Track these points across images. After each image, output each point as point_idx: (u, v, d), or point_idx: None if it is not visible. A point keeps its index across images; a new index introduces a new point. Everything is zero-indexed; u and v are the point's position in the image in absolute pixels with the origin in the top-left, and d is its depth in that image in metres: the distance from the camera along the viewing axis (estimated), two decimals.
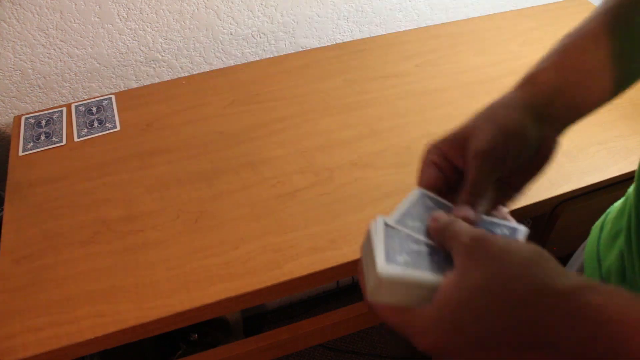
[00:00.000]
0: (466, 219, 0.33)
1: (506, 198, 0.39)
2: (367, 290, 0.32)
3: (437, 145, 0.39)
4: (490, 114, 0.39)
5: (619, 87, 0.41)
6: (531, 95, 0.40)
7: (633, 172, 0.67)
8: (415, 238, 0.33)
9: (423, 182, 0.38)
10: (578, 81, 0.40)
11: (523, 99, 0.39)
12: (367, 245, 0.33)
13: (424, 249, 0.32)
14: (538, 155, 0.39)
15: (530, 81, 0.40)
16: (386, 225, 0.33)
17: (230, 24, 0.88)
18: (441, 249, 0.32)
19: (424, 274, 0.30)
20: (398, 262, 0.30)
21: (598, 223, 0.51)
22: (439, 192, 0.38)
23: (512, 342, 0.27)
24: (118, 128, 0.76)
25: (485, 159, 0.36)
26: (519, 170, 0.39)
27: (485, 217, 0.35)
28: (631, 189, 0.44)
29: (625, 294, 0.26)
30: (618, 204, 0.48)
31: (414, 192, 0.36)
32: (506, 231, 0.35)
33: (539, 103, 0.39)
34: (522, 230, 0.35)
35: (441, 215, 0.33)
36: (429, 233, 0.33)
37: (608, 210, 0.50)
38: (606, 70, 0.40)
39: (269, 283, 0.56)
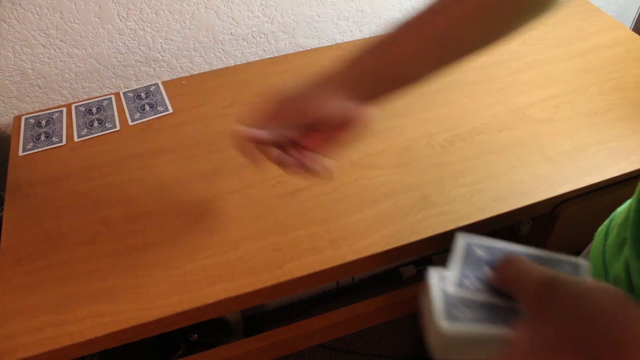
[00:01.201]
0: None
1: (326, 147, 0.50)
2: (432, 348, 0.31)
3: (279, 102, 0.50)
4: (310, 87, 0.49)
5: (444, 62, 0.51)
6: (347, 78, 0.49)
7: (633, 172, 0.67)
8: (474, 288, 0.31)
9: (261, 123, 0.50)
10: (391, 71, 0.50)
11: (340, 78, 0.49)
12: (426, 300, 0.31)
13: (484, 299, 0.30)
14: (344, 120, 0.49)
15: (351, 65, 0.49)
16: (442, 277, 0.31)
17: (230, 24, 0.88)
18: (503, 296, 0.30)
19: (489, 328, 0.28)
20: (459, 317, 0.29)
21: (602, 228, 0.50)
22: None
23: None
24: (118, 128, 0.76)
25: (300, 116, 0.49)
26: (333, 127, 0.49)
27: (542, 254, 0.33)
28: (632, 201, 0.44)
29: None
30: (622, 209, 0.48)
31: (460, 242, 0.34)
32: (568, 268, 0.32)
33: (352, 83, 0.49)
34: (584, 266, 0.32)
35: (503, 264, 0.30)
36: (487, 283, 0.31)
37: (612, 216, 0.49)
38: (416, 58, 0.49)
39: (269, 283, 0.56)
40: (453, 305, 0.30)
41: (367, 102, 0.51)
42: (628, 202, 0.47)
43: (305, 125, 0.50)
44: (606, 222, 0.51)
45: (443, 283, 0.31)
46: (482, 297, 0.31)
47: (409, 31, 0.49)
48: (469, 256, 0.32)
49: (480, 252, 0.33)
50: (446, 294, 0.30)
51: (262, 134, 0.49)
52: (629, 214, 0.43)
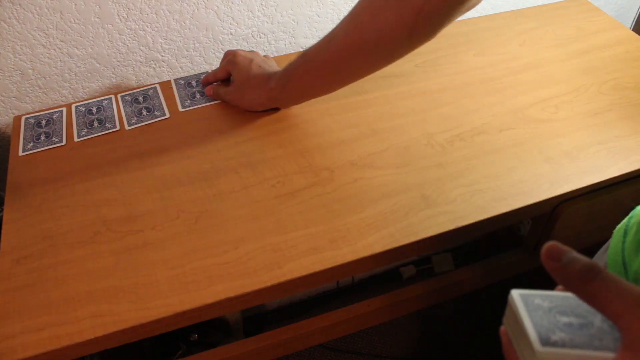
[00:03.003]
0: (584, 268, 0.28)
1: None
2: None
3: (229, 61, 0.78)
4: (248, 84, 0.75)
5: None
6: (279, 91, 0.72)
7: (633, 172, 0.67)
8: (561, 310, 0.30)
9: (217, 76, 0.81)
10: (321, 87, 0.71)
11: (271, 89, 0.72)
12: (514, 323, 0.30)
13: (574, 320, 0.29)
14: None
15: (284, 81, 0.71)
16: (527, 298, 0.30)
17: (230, 24, 0.88)
18: (594, 316, 0.29)
19: (584, 351, 0.27)
20: (554, 341, 0.27)
21: (621, 226, 0.50)
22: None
23: None
24: (118, 128, 0.76)
25: (228, 98, 0.79)
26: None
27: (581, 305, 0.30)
28: None
29: None
30: None
31: (515, 296, 0.31)
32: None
33: (281, 97, 0.74)
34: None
35: (589, 280, 0.27)
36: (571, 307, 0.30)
37: (631, 214, 0.49)
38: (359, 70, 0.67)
39: (269, 283, 0.56)
40: (543, 326, 0.28)
41: (279, 107, 0.77)
42: None
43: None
44: (625, 220, 0.50)
45: (530, 305, 0.30)
46: (574, 321, 0.29)
47: (305, 64, 0.67)
48: (532, 308, 0.30)
49: (539, 301, 0.31)
50: (537, 317, 0.29)
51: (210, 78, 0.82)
52: None
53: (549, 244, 0.28)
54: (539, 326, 0.28)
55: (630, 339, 0.26)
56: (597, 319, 0.29)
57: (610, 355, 0.27)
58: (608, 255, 0.51)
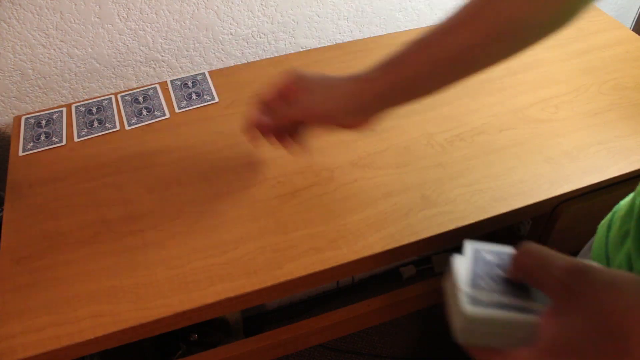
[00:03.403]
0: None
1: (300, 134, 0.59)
2: (456, 331, 0.31)
3: (292, 78, 0.55)
4: (332, 86, 0.53)
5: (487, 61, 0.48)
6: (378, 84, 0.50)
7: (633, 172, 0.67)
8: (497, 276, 0.31)
9: (269, 96, 0.56)
10: (429, 76, 0.49)
11: (368, 85, 0.51)
12: (450, 285, 0.32)
13: (509, 287, 0.31)
14: (348, 128, 0.54)
15: (385, 70, 0.50)
16: (475, 251, 0.32)
17: (230, 24, 0.88)
18: (520, 294, 0.30)
19: (513, 314, 0.29)
20: (484, 302, 0.29)
21: (605, 221, 0.50)
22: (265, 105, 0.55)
23: None
24: (118, 128, 0.76)
25: (303, 113, 0.54)
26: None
27: None
28: (636, 195, 0.44)
29: None
30: (625, 201, 0.48)
31: (468, 248, 0.34)
32: None
33: (383, 91, 0.51)
34: None
35: (522, 253, 0.30)
36: (502, 281, 0.31)
37: (614, 209, 0.50)
38: (465, 56, 0.47)
39: (269, 283, 0.56)
40: (478, 288, 0.30)
41: (371, 117, 0.54)
42: (631, 195, 0.47)
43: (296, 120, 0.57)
44: (609, 215, 0.50)
45: (477, 256, 0.32)
46: (500, 291, 0.31)
47: (420, 51, 0.49)
48: (478, 260, 0.32)
49: (489, 257, 0.33)
50: (471, 279, 0.31)
51: (262, 119, 0.57)
52: (633, 207, 0.43)
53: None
54: (475, 288, 0.30)
55: (553, 303, 0.27)
56: (523, 297, 0.30)
57: (535, 318, 0.28)
58: (592, 249, 0.51)
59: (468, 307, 0.29)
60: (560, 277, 0.27)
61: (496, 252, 0.33)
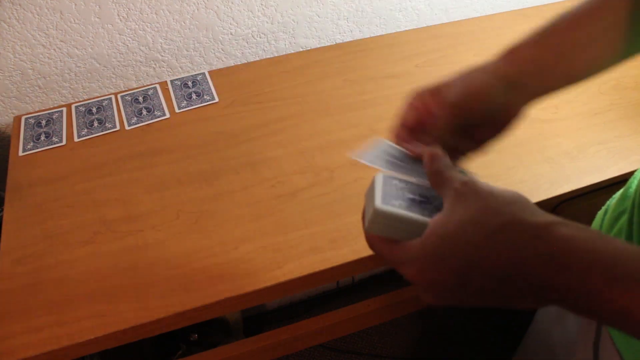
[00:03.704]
0: (435, 156, 0.36)
1: (468, 148, 0.47)
2: (365, 223, 0.37)
3: (420, 93, 0.46)
4: (466, 74, 0.45)
5: (618, 56, 0.43)
6: (507, 65, 0.45)
7: (633, 172, 0.67)
8: (412, 190, 0.37)
9: (403, 119, 0.47)
10: (557, 61, 0.43)
11: (498, 67, 0.45)
12: (370, 192, 0.38)
13: (418, 198, 0.36)
14: (501, 118, 0.44)
15: (511, 52, 0.45)
16: (386, 177, 0.38)
17: (230, 24, 0.88)
18: (435, 200, 0.36)
19: (413, 213, 0.34)
20: (393, 203, 0.35)
21: (602, 209, 0.53)
22: (412, 131, 0.46)
23: (488, 272, 0.29)
24: (118, 128, 0.76)
25: (453, 110, 0.43)
26: (483, 127, 0.45)
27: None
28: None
29: (594, 231, 0.29)
30: (620, 191, 0.49)
31: (379, 141, 0.41)
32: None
33: (512, 73, 0.44)
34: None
35: (431, 158, 0.36)
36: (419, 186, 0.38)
37: (614, 196, 0.52)
38: (593, 46, 0.43)
39: (269, 283, 0.56)
40: (390, 194, 0.36)
41: (530, 98, 0.45)
42: (628, 182, 0.49)
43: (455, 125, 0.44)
44: (606, 204, 0.53)
45: (387, 182, 0.37)
46: (417, 183, 0.38)
47: (572, 24, 0.43)
48: (389, 184, 0.37)
49: (397, 182, 0.38)
50: (386, 186, 0.37)
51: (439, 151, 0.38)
52: (628, 189, 0.46)
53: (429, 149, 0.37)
54: (386, 194, 0.36)
55: (446, 206, 0.33)
56: (437, 201, 0.36)
57: (428, 219, 0.34)
58: None
59: (378, 203, 0.34)
60: (455, 185, 0.33)
61: (404, 181, 0.39)
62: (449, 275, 0.31)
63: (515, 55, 0.45)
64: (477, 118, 0.44)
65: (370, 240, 0.36)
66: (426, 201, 0.36)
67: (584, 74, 0.44)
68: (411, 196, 0.36)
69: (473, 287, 0.30)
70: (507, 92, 0.44)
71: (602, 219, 0.51)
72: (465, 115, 0.43)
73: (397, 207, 0.35)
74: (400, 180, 0.38)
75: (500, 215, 0.30)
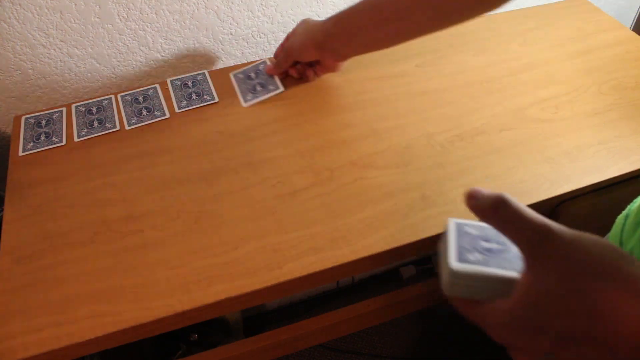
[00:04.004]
0: (499, 202, 0.32)
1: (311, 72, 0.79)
2: (442, 284, 0.34)
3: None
4: (303, 30, 0.74)
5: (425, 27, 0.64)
6: (327, 29, 0.70)
7: (633, 172, 0.67)
8: (485, 237, 0.34)
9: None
10: (352, 38, 0.69)
11: (322, 29, 0.70)
12: (443, 245, 0.35)
13: (495, 246, 0.34)
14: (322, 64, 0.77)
15: (333, 20, 0.69)
16: (459, 225, 0.35)
17: (230, 24, 0.88)
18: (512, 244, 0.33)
19: (492, 270, 0.31)
20: (469, 259, 0.32)
21: (622, 214, 0.52)
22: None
23: (590, 343, 0.27)
24: (118, 128, 0.76)
25: (289, 53, 0.77)
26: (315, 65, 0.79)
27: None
28: None
29: None
30: None
31: (451, 224, 0.37)
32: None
33: (327, 36, 0.70)
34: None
35: (495, 205, 0.32)
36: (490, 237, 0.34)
37: (635, 200, 0.51)
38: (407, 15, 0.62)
39: (269, 283, 0.56)
40: (465, 248, 0.33)
41: (340, 57, 0.75)
42: None
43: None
44: (628, 206, 0.52)
45: (461, 231, 0.35)
46: (490, 236, 0.35)
47: (367, 6, 0.64)
48: (462, 234, 0.35)
49: (471, 230, 0.36)
50: (462, 240, 0.34)
51: (280, 67, 0.80)
52: None
53: (470, 189, 0.33)
54: (461, 247, 0.33)
55: (526, 262, 0.30)
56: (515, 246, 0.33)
57: (515, 274, 0.31)
58: (609, 237, 0.51)
59: (454, 263, 0.32)
60: (533, 238, 0.30)
61: (478, 227, 0.36)
62: (545, 344, 0.28)
63: (342, 20, 0.68)
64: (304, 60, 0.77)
65: (453, 303, 0.35)
66: (504, 248, 0.34)
67: (378, 47, 0.71)
68: (487, 245, 0.34)
69: (573, 353, 0.28)
70: (322, 50, 0.72)
71: (623, 224, 0.50)
72: (294, 56, 0.77)
73: (475, 263, 0.32)
74: (474, 225, 0.36)
75: (597, 275, 0.27)
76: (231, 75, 0.83)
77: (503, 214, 0.31)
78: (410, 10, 0.60)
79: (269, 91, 0.79)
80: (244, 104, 0.78)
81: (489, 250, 0.33)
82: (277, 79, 0.81)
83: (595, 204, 0.68)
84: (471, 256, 0.33)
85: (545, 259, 0.29)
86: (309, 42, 0.72)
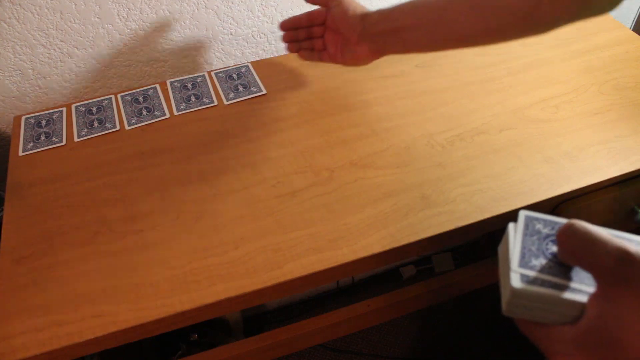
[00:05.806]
0: (571, 230, 0.29)
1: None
2: (503, 303, 0.31)
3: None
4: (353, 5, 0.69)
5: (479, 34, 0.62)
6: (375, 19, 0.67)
7: (633, 172, 0.67)
8: (548, 251, 0.31)
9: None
10: (395, 36, 0.65)
11: (371, 18, 0.67)
12: (503, 253, 0.32)
13: (558, 264, 0.30)
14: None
15: (382, 12, 0.66)
16: (528, 219, 0.32)
17: (230, 24, 0.88)
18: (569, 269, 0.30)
19: (558, 293, 0.29)
20: (532, 279, 0.29)
21: None
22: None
23: None
24: (118, 128, 0.76)
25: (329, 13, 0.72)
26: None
27: (613, 232, 0.31)
28: None
29: None
30: None
31: (520, 217, 0.33)
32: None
33: (370, 36, 0.68)
34: None
35: (566, 234, 0.29)
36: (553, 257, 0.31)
37: None
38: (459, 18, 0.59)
39: (269, 283, 0.56)
40: (531, 253, 0.30)
41: (378, 53, 0.71)
42: None
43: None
44: None
45: (527, 229, 0.32)
46: (549, 268, 0.30)
47: (415, 8, 0.62)
48: (530, 232, 0.32)
49: (541, 228, 0.32)
50: (521, 254, 0.31)
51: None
52: None
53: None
54: (525, 249, 0.30)
55: (601, 289, 0.28)
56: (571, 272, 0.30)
57: (584, 299, 0.28)
58: None
59: (516, 283, 0.29)
60: (607, 263, 0.27)
61: (550, 222, 0.32)
62: None
63: (375, 25, 0.66)
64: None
65: (516, 323, 0.32)
66: (568, 268, 0.30)
67: (419, 50, 0.69)
68: (552, 264, 0.30)
69: None
70: (366, 39, 0.69)
71: None
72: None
73: (537, 284, 0.29)
74: (546, 220, 0.32)
75: None
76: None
77: (573, 243, 0.29)
78: (469, 23, 0.59)
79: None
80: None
81: (555, 263, 0.30)
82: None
83: (595, 204, 0.68)
84: (536, 261, 0.29)
85: (622, 284, 0.26)
86: (357, 19, 0.67)
